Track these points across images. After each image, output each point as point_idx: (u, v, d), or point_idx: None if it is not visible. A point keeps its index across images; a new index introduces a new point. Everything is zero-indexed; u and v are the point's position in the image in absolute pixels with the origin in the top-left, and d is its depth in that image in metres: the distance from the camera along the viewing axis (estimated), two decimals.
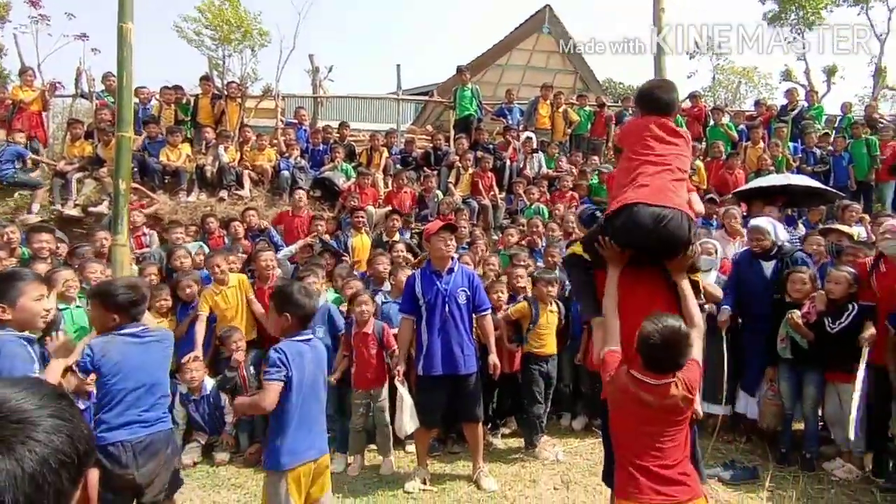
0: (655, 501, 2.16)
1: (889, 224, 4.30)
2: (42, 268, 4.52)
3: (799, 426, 4.62)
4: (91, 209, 7.48)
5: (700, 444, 4.51)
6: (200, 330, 4.75)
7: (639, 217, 2.42)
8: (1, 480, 0.66)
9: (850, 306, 4.09)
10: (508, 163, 9.13)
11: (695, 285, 2.66)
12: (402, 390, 3.95)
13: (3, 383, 0.75)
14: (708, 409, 4.72)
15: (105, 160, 7.90)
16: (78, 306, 4.29)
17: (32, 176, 7.84)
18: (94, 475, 0.81)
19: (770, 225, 4.82)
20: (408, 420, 3.89)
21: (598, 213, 2.84)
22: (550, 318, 4.87)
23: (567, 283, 5.47)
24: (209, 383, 4.67)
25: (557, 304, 4.99)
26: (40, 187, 7.64)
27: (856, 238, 5.53)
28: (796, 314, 4.24)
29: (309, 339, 2.79)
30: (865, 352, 3.88)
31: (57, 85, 9.63)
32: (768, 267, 4.71)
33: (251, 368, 4.71)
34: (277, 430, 2.64)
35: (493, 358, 4.14)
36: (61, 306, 4.15)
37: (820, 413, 4.43)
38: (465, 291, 4.05)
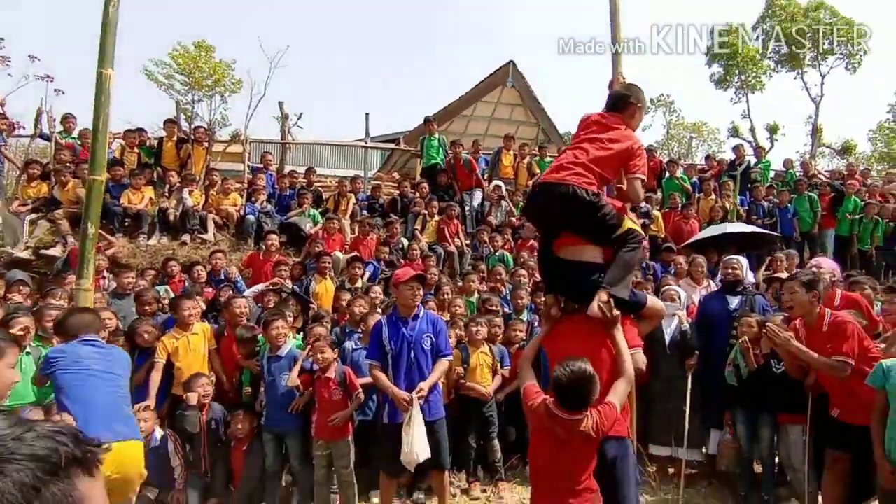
0: None
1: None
2: None
3: (759, 468, 4.67)
4: (43, 251, 7.21)
5: (668, 490, 4.56)
6: (156, 378, 4.53)
7: (533, 193, 3.04)
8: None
9: None
10: (469, 207, 9.45)
11: (629, 232, 2.84)
12: (415, 411, 3.68)
13: None
14: (671, 453, 4.79)
15: (61, 201, 7.70)
16: (28, 353, 4.08)
17: None
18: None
19: (744, 261, 5.23)
20: (421, 446, 3.60)
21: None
22: (481, 359, 4.96)
23: (536, 326, 5.57)
24: (159, 434, 4.41)
25: (490, 347, 5.07)
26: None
27: None
28: (747, 339, 4.42)
29: (92, 342, 3.31)
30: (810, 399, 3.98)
31: (15, 125, 9.36)
32: (734, 301, 4.98)
33: (212, 422, 4.48)
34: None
35: (423, 389, 3.87)
36: None
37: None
38: (430, 337, 4.02)
